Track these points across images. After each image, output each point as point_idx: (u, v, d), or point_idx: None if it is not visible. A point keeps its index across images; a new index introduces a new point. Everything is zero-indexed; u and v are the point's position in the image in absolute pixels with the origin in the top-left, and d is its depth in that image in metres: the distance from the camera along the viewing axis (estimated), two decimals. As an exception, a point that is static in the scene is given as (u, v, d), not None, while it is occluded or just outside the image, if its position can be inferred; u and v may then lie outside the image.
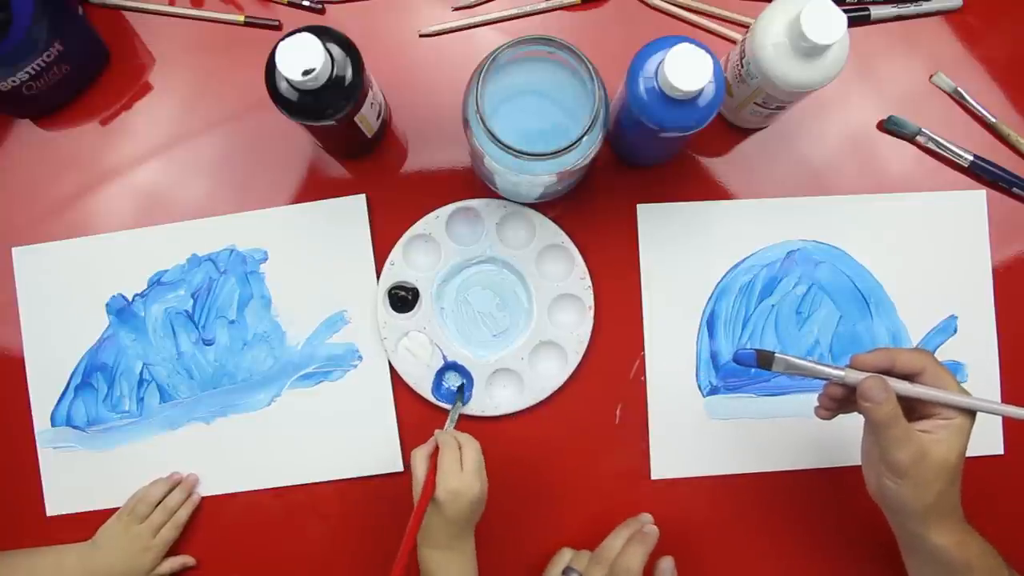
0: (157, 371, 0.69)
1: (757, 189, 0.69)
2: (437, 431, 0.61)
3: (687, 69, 0.52)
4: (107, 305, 0.69)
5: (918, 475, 0.49)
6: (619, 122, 0.60)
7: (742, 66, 0.59)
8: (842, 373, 0.51)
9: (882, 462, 0.50)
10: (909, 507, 0.50)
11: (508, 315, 0.68)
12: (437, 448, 0.59)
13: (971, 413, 0.50)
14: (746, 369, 0.68)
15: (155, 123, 0.70)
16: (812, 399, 0.67)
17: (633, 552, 0.59)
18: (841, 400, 0.53)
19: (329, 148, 0.68)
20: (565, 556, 0.65)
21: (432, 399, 0.67)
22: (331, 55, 0.55)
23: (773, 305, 0.69)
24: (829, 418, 0.55)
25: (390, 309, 0.68)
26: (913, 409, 0.50)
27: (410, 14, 0.70)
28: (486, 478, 0.59)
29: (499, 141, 0.52)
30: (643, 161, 0.69)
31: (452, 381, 0.68)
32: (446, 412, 0.67)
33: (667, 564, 0.62)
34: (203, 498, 0.68)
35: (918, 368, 0.50)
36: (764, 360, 0.52)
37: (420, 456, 0.59)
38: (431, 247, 0.68)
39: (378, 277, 0.68)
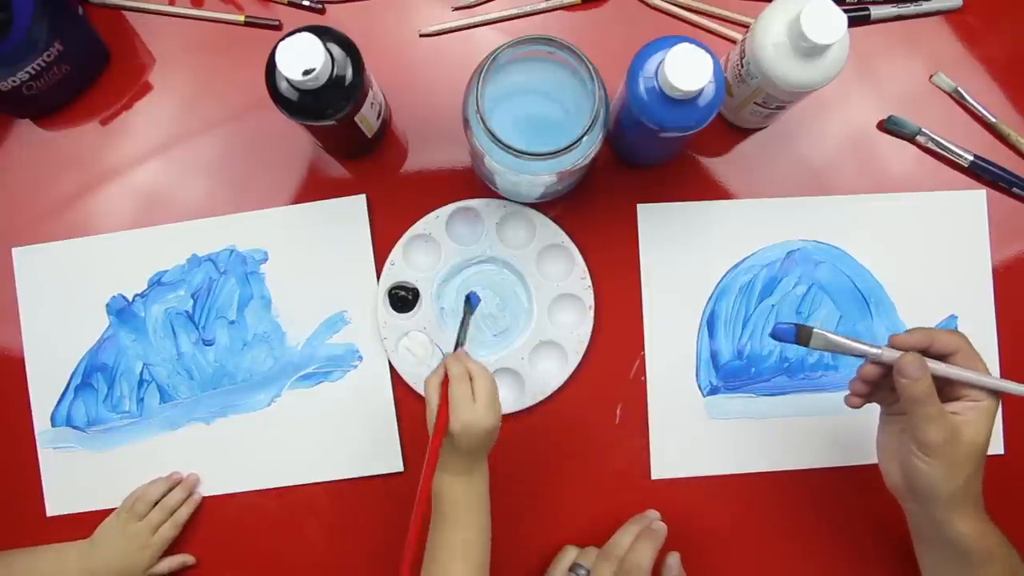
0: (157, 371, 0.69)
1: (757, 189, 0.69)
2: (446, 357, 0.59)
3: (687, 69, 0.52)
4: (107, 305, 0.69)
5: (950, 455, 0.49)
6: (619, 122, 0.60)
7: (742, 66, 0.59)
8: (879, 351, 0.51)
9: (913, 442, 0.50)
10: (937, 489, 0.50)
11: (508, 315, 0.68)
12: (448, 377, 0.57)
13: (997, 397, 0.51)
14: (746, 369, 0.68)
15: (155, 123, 0.70)
16: (812, 398, 0.68)
17: (643, 548, 0.59)
18: (874, 383, 0.53)
19: (329, 148, 0.68)
20: (569, 553, 0.65)
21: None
22: (331, 55, 0.55)
23: (773, 305, 0.69)
24: (860, 405, 0.55)
25: (390, 309, 0.68)
26: (940, 392, 0.50)
27: (410, 14, 0.70)
28: (499, 407, 0.57)
29: (499, 141, 0.52)
30: (643, 161, 0.69)
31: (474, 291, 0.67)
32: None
33: (674, 560, 0.63)
34: (203, 498, 0.68)
35: (953, 348, 0.51)
36: (803, 336, 0.52)
37: (433, 385, 0.57)
38: (431, 247, 0.68)
39: (378, 277, 0.68)
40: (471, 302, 0.65)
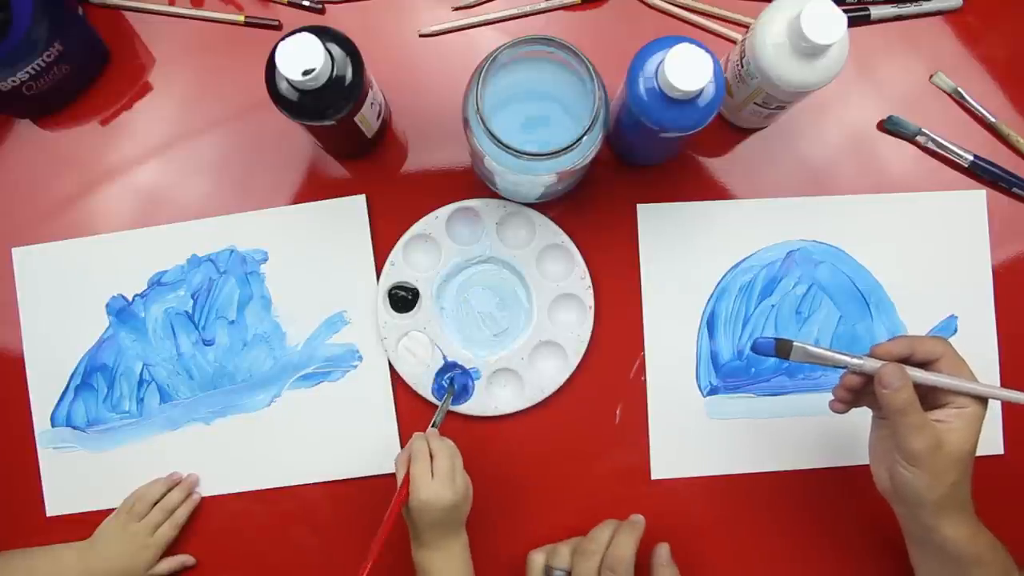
0: (157, 371, 0.69)
1: (757, 189, 0.69)
2: (415, 434, 0.62)
3: (687, 69, 0.52)
4: (107, 305, 0.69)
5: (934, 464, 0.49)
6: (619, 122, 0.60)
7: (742, 66, 0.59)
8: (860, 361, 0.51)
9: (897, 451, 0.50)
10: (924, 497, 0.50)
11: (508, 315, 0.68)
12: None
13: (984, 402, 0.50)
14: (746, 369, 0.68)
15: (155, 123, 0.70)
16: (812, 399, 0.68)
17: (625, 541, 0.59)
18: (857, 391, 0.53)
19: (329, 148, 0.68)
20: (538, 560, 0.63)
21: (432, 399, 0.67)
22: (331, 55, 0.55)
23: (773, 305, 0.69)
24: (844, 411, 0.55)
25: (390, 309, 0.68)
26: (925, 399, 0.50)
27: (410, 14, 0.70)
28: (462, 482, 0.60)
29: (499, 141, 0.52)
30: (643, 161, 0.69)
31: (458, 375, 0.68)
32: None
33: (663, 549, 0.62)
34: (203, 498, 0.68)
35: (937, 354, 0.51)
36: (783, 349, 0.52)
37: (400, 462, 0.60)
38: (431, 247, 0.68)
39: (378, 277, 0.68)
40: (454, 384, 0.66)
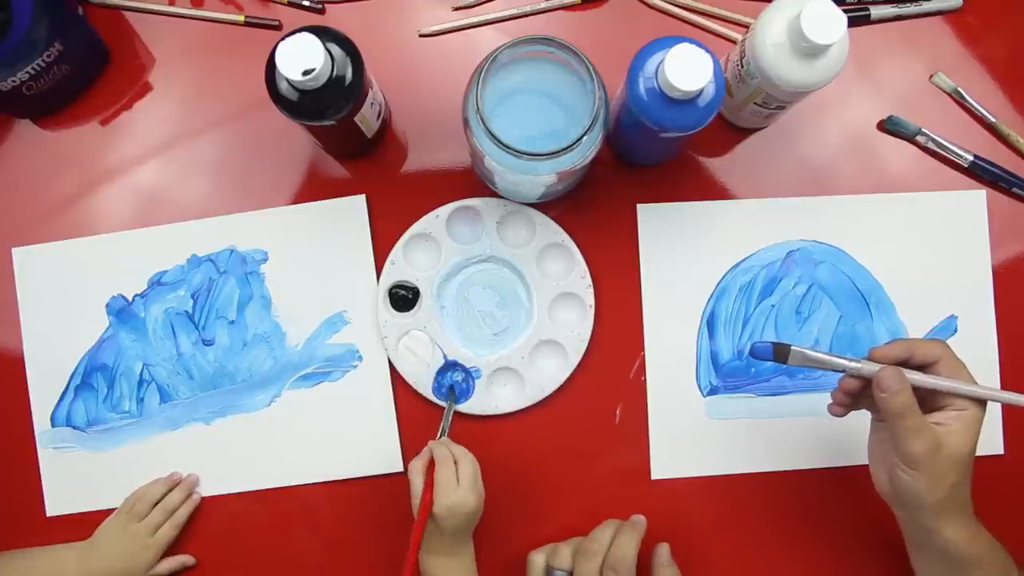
0: (157, 371, 0.69)
1: (757, 189, 0.69)
2: (431, 442, 0.62)
3: (687, 69, 0.52)
4: (107, 305, 0.69)
5: (933, 467, 0.49)
6: (619, 122, 0.60)
7: (742, 66, 0.59)
8: (858, 365, 0.51)
9: (897, 454, 0.50)
10: (923, 500, 0.50)
11: (508, 314, 0.68)
12: (432, 461, 0.60)
13: (983, 404, 0.50)
14: (746, 369, 0.68)
15: (155, 123, 0.70)
16: (811, 399, 0.68)
17: (627, 541, 0.59)
18: (855, 394, 0.53)
19: (329, 148, 0.68)
20: (538, 560, 0.62)
21: (432, 398, 0.67)
22: (331, 55, 0.55)
23: (773, 305, 0.69)
24: (842, 414, 0.55)
25: (391, 308, 0.68)
26: (924, 401, 0.50)
27: (410, 14, 0.70)
28: (482, 489, 0.60)
29: (499, 141, 0.52)
30: (643, 161, 0.69)
31: (456, 379, 0.68)
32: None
33: (664, 549, 0.62)
34: (203, 498, 0.68)
35: (935, 356, 0.51)
36: (780, 353, 0.52)
37: (416, 469, 0.60)
38: (431, 246, 0.68)
39: (378, 277, 0.68)
40: (455, 391, 0.67)
